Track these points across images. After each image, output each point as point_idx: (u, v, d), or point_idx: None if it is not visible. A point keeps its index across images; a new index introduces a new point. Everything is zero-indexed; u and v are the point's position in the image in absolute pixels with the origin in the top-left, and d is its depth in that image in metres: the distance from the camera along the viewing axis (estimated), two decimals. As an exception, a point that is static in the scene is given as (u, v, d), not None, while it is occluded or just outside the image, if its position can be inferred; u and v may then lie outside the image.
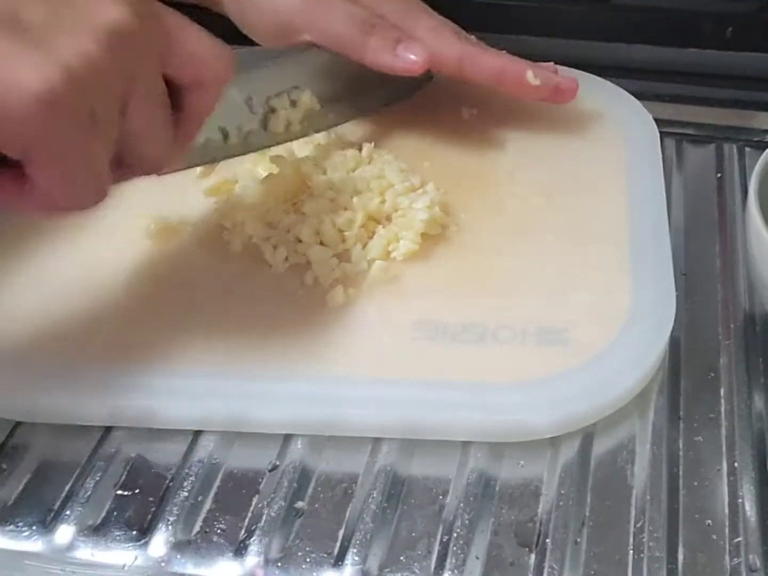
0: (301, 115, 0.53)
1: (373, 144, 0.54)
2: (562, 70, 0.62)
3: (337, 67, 0.54)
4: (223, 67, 0.41)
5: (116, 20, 0.36)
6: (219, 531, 0.39)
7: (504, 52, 0.54)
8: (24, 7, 0.35)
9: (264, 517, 0.40)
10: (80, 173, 0.37)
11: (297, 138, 0.53)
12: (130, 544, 0.39)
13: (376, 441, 0.42)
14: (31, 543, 0.39)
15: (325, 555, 0.38)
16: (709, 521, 0.39)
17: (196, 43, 0.40)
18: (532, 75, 0.53)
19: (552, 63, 0.56)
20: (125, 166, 0.40)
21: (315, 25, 0.53)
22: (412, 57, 0.51)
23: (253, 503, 0.40)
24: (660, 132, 0.57)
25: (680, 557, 0.38)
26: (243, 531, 0.39)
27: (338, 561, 0.38)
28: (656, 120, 0.58)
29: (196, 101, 0.41)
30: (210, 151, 0.49)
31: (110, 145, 0.38)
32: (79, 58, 0.35)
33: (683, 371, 0.45)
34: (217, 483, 0.41)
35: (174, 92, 0.40)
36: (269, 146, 0.52)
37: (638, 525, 0.39)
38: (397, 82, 0.55)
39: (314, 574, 0.38)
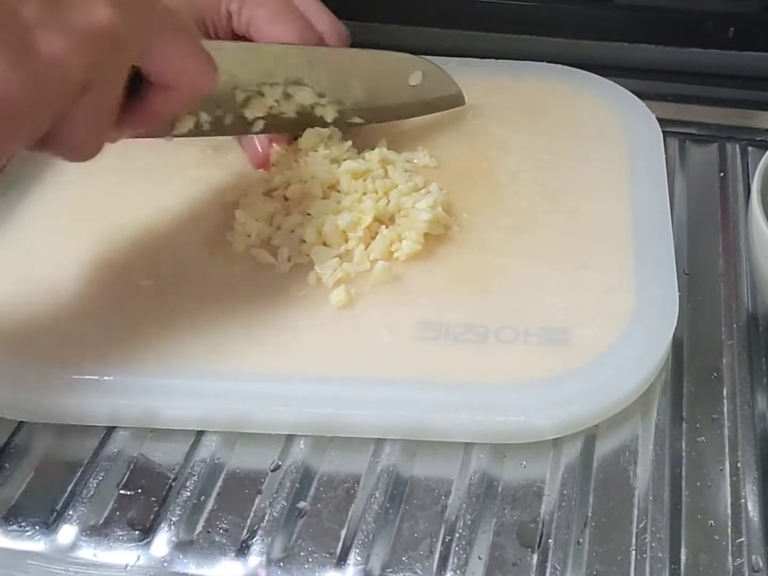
0: (294, 109, 0.52)
1: (384, 146, 0.54)
2: (564, 69, 0.62)
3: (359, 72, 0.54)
4: (205, 78, 0.41)
5: (103, 23, 0.36)
6: (221, 531, 0.39)
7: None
8: (24, 5, 0.34)
9: (266, 517, 0.40)
10: None
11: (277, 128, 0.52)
12: (133, 544, 0.39)
13: (379, 441, 0.42)
14: (33, 543, 0.39)
15: (328, 555, 0.38)
16: (712, 522, 0.39)
17: (183, 50, 0.40)
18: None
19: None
20: (46, 139, 0.38)
21: None
22: None
23: (256, 503, 0.40)
24: (663, 131, 0.57)
25: (683, 558, 0.38)
26: (245, 531, 0.39)
27: (341, 561, 0.38)
28: (659, 119, 0.58)
29: (161, 102, 0.41)
30: (172, 128, 0.48)
31: (41, 128, 0.37)
32: (52, 61, 0.35)
33: (686, 371, 0.45)
34: (219, 483, 0.41)
35: (138, 77, 0.39)
36: (237, 131, 0.51)
37: (641, 525, 0.39)
38: (425, 103, 0.56)
39: (317, 574, 0.38)
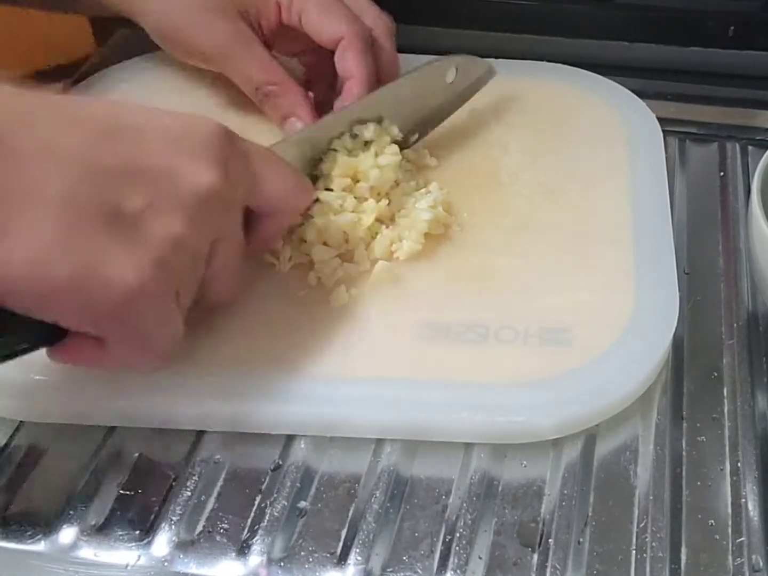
0: (360, 146, 0.52)
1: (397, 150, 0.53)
2: (564, 69, 0.62)
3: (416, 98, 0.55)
4: (303, 199, 0.45)
5: (208, 186, 0.38)
6: (222, 531, 0.39)
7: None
8: (123, 195, 0.36)
9: (267, 517, 0.40)
10: (154, 344, 0.39)
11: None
12: (133, 544, 0.39)
13: (379, 441, 0.42)
14: (34, 543, 0.39)
15: (328, 555, 0.38)
16: (712, 521, 0.39)
17: (280, 178, 0.42)
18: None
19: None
20: (199, 304, 0.42)
21: (227, 70, 0.56)
22: (298, 128, 0.54)
23: (256, 503, 0.40)
24: (663, 131, 0.57)
25: (683, 557, 0.38)
26: (246, 531, 0.39)
27: (341, 561, 0.38)
28: (659, 119, 0.58)
29: (270, 227, 0.44)
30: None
31: (187, 306, 0.40)
32: (169, 244, 0.36)
33: (686, 371, 0.45)
34: (220, 483, 0.41)
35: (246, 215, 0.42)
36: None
37: (641, 525, 0.39)
38: (463, 93, 0.57)
39: (317, 573, 0.38)
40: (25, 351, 0.38)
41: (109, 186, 0.35)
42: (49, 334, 0.38)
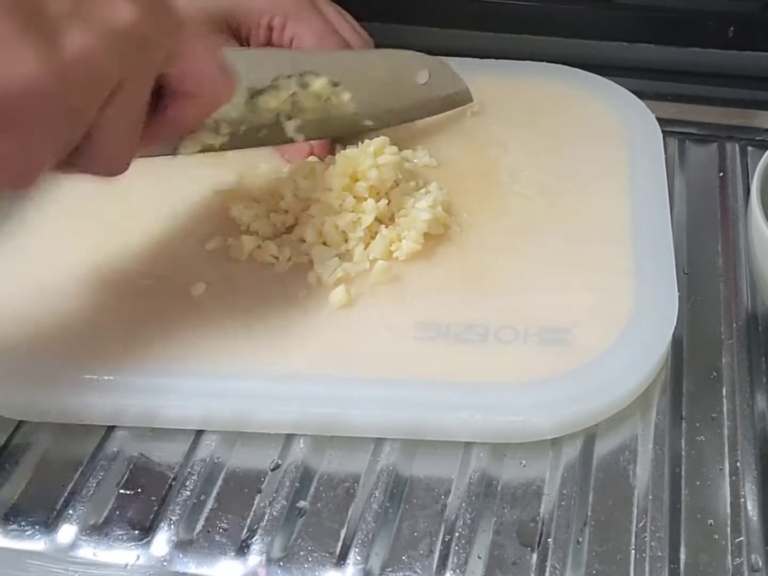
0: (312, 100, 0.51)
1: (399, 149, 0.53)
2: (564, 69, 0.62)
3: (374, 71, 0.54)
4: (225, 88, 0.41)
5: (129, 22, 0.36)
6: (221, 530, 0.39)
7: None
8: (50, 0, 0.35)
9: (266, 517, 0.40)
10: (29, 161, 0.36)
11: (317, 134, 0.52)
12: (133, 544, 0.39)
13: (378, 441, 0.42)
14: (33, 542, 0.39)
15: (328, 554, 0.38)
16: (711, 521, 0.39)
17: (206, 57, 0.40)
18: None
19: None
20: (75, 157, 0.39)
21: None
22: None
23: (256, 502, 0.40)
24: (662, 131, 0.57)
25: (682, 557, 0.38)
26: (245, 530, 0.39)
27: (340, 560, 0.38)
28: (658, 119, 0.58)
29: (183, 111, 0.41)
30: (195, 143, 0.47)
31: (73, 140, 0.37)
32: (79, 57, 0.35)
33: (686, 371, 0.45)
34: (219, 482, 0.41)
35: (160, 92, 0.40)
36: (258, 130, 0.51)
37: (640, 525, 0.39)
38: (434, 102, 0.56)
39: (316, 573, 0.38)
40: None
41: None
42: None
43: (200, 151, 0.47)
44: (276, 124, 0.51)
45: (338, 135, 0.54)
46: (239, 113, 0.49)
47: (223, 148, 0.49)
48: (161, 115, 0.40)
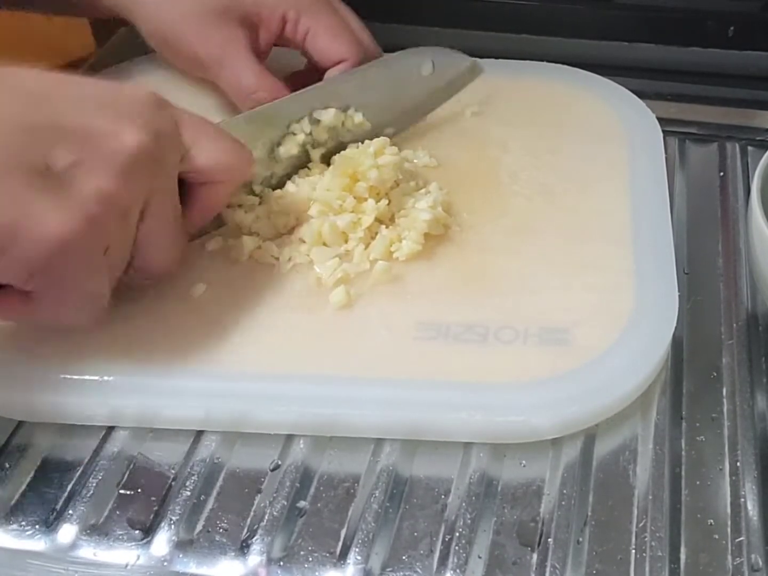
0: (328, 132, 0.52)
1: (397, 148, 0.53)
2: (564, 69, 0.62)
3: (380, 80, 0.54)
4: (241, 167, 0.44)
5: (135, 147, 0.38)
6: (221, 530, 0.39)
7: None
8: (51, 152, 0.36)
9: (266, 517, 0.40)
10: (83, 299, 0.39)
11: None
12: (133, 544, 0.39)
13: (379, 441, 0.42)
14: (33, 542, 0.39)
15: (328, 554, 0.38)
16: (712, 521, 0.39)
17: (215, 146, 0.42)
18: None
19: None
20: (132, 271, 0.42)
21: (218, 77, 0.55)
22: None
23: (256, 502, 0.40)
24: (663, 131, 0.57)
25: (682, 557, 0.38)
26: (245, 530, 0.39)
27: (340, 560, 0.38)
28: (659, 119, 0.58)
29: (211, 199, 0.43)
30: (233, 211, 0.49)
31: (120, 267, 0.40)
32: (98, 199, 0.37)
33: (686, 371, 0.45)
34: (219, 482, 0.41)
35: (184, 185, 0.42)
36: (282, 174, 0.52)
37: (640, 525, 0.39)
38: (444, 88, 0.57)
39: (317, 573, 0.38)
40: None
41: (37, 142, 0.36)
42: None
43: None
44: (302, 162, 0.53)
45: None
46: (265, 168, 0.51)
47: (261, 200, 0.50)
48: (192, 208, 0.43)
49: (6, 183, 0.35)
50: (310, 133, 0.52)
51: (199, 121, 0.43)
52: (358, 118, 0.53)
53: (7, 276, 0.37)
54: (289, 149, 0.51)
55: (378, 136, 0.53)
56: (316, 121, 0.52)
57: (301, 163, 0.53)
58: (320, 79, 0.54)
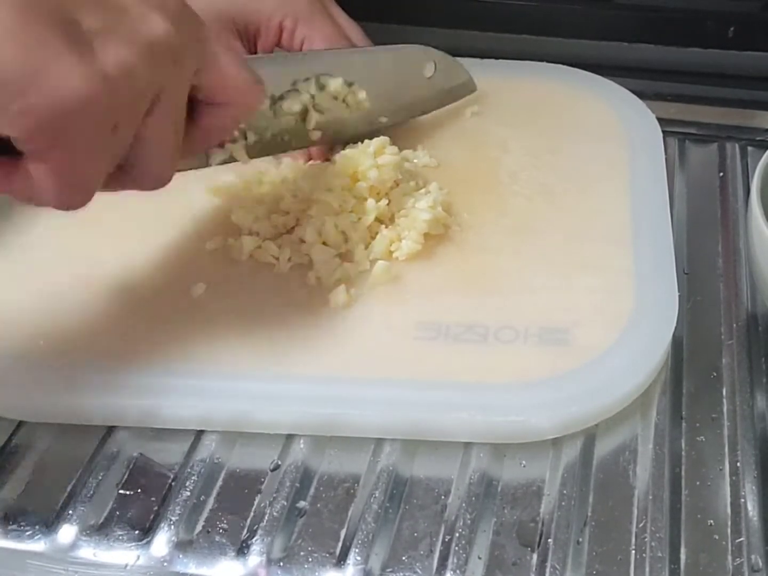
0: (330, 100, 0.52)
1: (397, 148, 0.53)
2: (564, 69, 0.62)
3: (386, 67, 0.54)
4: (254, 95, 0.43)
5: (161, 34, 0.37)
6: (221, 530, 0.39)
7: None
8: (84, 12, 0.36)
9: (266, 517, 0.40)
10: (79, 177, 0.37)
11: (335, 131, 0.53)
12: (133, 544, 0.39)
13: (379, 441, 0.42)
14: (33, 542, 0.39)
15: (328, 555, 0.38)
16: (712, 521, 0.39)
17: (233, 67, 0.41)
18: None
19: None
20: (123, 174, 0.40)
21: None
22: None
23: (256, 503, 0.40)
24: (663, 131, 0.57)
25: (682, 557, 0.38)
26: (245, 530, 0.39)
27: (340, 561, 0.38)
28: (659, 119, 0.58)
29: (216, 120, 0.42)
30: (224, 152, 0.48)
31: (118, 154, 0.39)
32: (120, 69, 0.36)
33: (686, 371, 0.45)
34: (219, 482, 0.41)
35: (192, 105, 0.41)
36: (280, 135, 0.51)
37: (640, 525, 0.39)
38: (441, 94, 0.57)
39: (316, 573, 0.38)
40: None
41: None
42: None
43: (228, 161, 0.48)
44: (298, 128, 0.52)
45: (355, 135, 0.54)
46: (264, 120, 0.50)
47: (250, 155, 0.49)
48: (195, 127, 0.41)
49: (36, 26, 0.34)
50: (313, 97, 0.51)
51: (224, 41, 0.43)
52: (362, 95, 0.53)
53: (15, 125, 0.35)
54: (292, 105, 0.50)
55: (371, 124, 0.53)
56: (321, 86, 0.52)
57: (296, 130, 0.52)
58: None
